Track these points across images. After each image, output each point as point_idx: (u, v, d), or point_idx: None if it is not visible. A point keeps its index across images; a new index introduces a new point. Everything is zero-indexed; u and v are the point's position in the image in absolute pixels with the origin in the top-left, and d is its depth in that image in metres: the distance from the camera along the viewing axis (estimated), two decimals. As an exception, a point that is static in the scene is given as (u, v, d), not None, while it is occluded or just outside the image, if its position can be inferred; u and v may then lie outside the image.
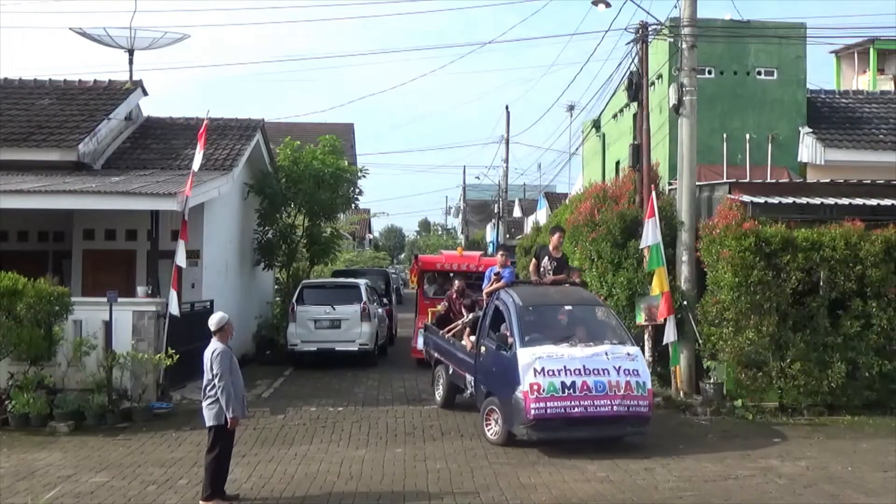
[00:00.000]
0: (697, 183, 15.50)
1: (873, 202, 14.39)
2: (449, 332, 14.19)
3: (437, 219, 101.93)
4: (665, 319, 14.21)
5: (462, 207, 72.57)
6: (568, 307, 12.24)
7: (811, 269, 13.31)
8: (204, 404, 8.93)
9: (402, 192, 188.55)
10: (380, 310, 21.24)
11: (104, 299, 13.45)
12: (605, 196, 16.83)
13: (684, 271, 14.83)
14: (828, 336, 13.29)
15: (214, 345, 8.92)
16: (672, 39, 16.56)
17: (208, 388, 8.86)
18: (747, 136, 19.31)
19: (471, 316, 13.69)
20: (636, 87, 16.19)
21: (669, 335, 14.28)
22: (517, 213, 61.32)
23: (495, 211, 53.13)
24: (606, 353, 11.03)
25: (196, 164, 14.89)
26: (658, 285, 14.29)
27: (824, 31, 69.04)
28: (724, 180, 16.40)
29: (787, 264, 13.20)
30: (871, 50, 27.12)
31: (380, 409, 14.16)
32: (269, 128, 22.47)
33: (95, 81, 20.11)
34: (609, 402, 10.72)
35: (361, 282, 20.90)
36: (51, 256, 18.22)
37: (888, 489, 9.38)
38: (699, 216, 15.01)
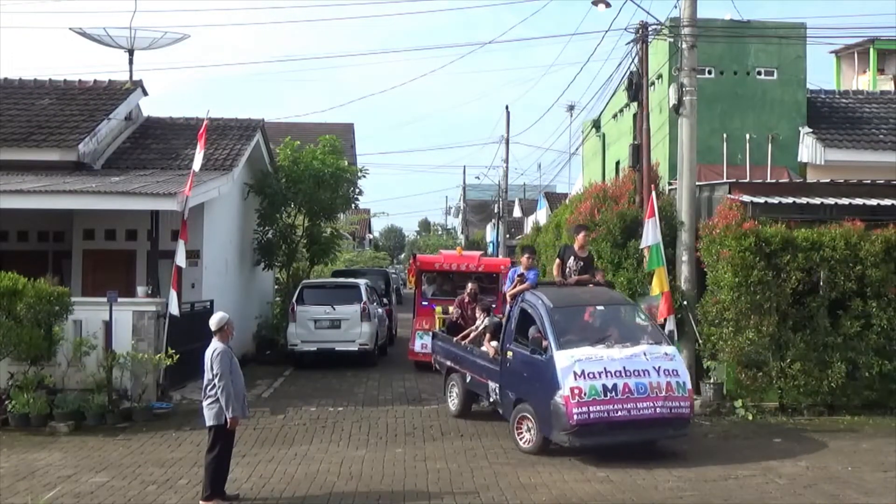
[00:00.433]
0: (697, 183, 15.49)
1: (873, 202, 14.39)
2: (464, 338, 13.55)
3: (437, 219, 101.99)
4: (665, 319, 14.20)
5: (462, 207, 72.59)
6: (600, 307, 11.87)
7: (811, 269, 13.31)
8: (204, 404, 8.93)
9: (402, 192, 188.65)
10: (380, 310, 21.23)
11: (104, 299, 13.46)
12: (605, 196, 16.83)
13: (684, 271, 14.82)
14: (828, 336, 13.29)
15: (215, 345, 8.92)
16: (672, 39, 16.55)
17: (208, 387, 8.86)
18: (747, 136, 19.32)
19: (487, 320, 13.13)
20: (636, 87, 16.19)
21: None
22: (517, 213, 61.34)
23: (495, 211, 53.11)
24: (645, 354, 10.70)
25: (197, 165, 14.84)
26: (658, 285, 14.28)
27: (824, 31, 69.08)
28: (724, 180, 16.39)
29: (787, 264, 13.20)
30: (871, 50, 27.12)
31: (380, 409, 14.16)
32: (269, 128, 22.46)
33: (95, 81, 20.11)
34: (651, 405, 10.36)
35: (361, 282, 20.90)
36: (51, 256, 18.22)
37: (888, 489, 9.38)
38: (699, 216, 15.00)
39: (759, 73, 20.75)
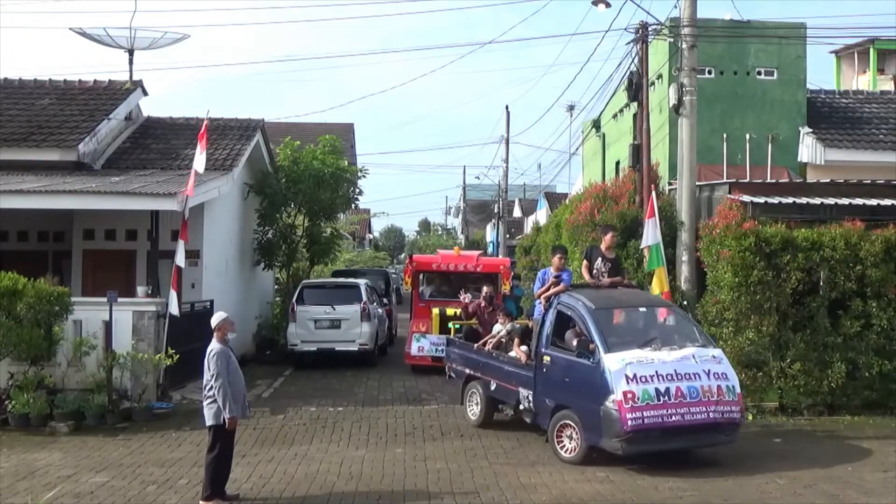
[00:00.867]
0: (697, 183, 15.50)
1: (873, 202, 14.40)
2: (485, 343, 12.93)
3: (437, 219, 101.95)
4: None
5: (462, 207, 72.60)
6: (641, 309, 11.47)
7: (811, 269, 13.31)
8: (204, 404, 8.95)
9: (402, 192, 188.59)
10: (380, 310, 21.22)
11: (104, 299, 13.46)
12: (605, 196, 16.83)
13: (684, 271, 14.82)
14: (828, 336, 13.29)
15: (213, 345, 8.94)
16: (672, 39, 16.56)
17: (207, 388, 8.87)
18: (747, 136, 19.33)
19: (510, 325, 12.63)
20: (636, 87, 16.20)
21: (669, 335, 14.25)
22: (517, 213, 61.32)
23: (495, 211, 53.11)
24: (694, 357, 10.29)
25: (200, 166, 14.60)
26: (658, 285, 14.27)
27: (824, 31, 69.14)
28: (724, 180, 16.40)
29: (787, 264, 13.20)
30: (871, 50, 27.13)
31: (380, 409, 14.15)
32: (269, 128, 22.47)
33: (95, 81, 20.11)
34: (704, 409, 9.96)
35: (361, 282, 20.89)
36: (51, 256, 18.22)
37: (888, 489, 9.37)
38: (699, 216, 15.00)
39: (759, 73, 20.76)
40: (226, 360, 8.85)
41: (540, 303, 11.75)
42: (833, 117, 20.65)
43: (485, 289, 14.91)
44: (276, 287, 24.18)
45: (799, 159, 19.81)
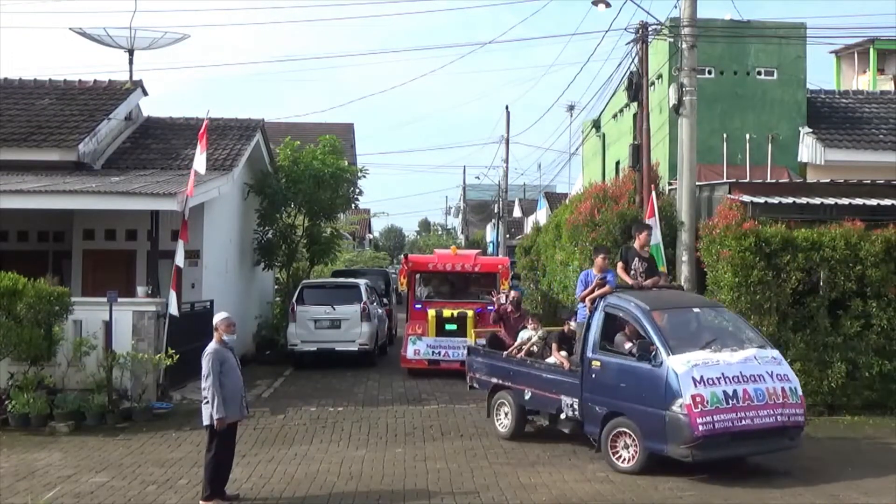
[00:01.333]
0: (697, 183, 15.50)
1: (873, 202, 14.39)
2: (518, 350, 12.23)
3: (437, 219, 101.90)
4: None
5: (462, 207, 72.56)
6: (695, 309, 10.99)
7: (811, 269, 13.30)
8: (202, 403, 8.96)
9: (402, 192, 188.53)
10: (380, 310, 21.22)
11: (104, 299, 13.46)
12: (605, 196, 16.82)
13: (684, 271, 14.82)
14: (828, 336, 13.28)
15: (210, 345, 8.97)
16: (672, 39, 16.56)
17: (203, 388, 8.90)
18: (747, 136, 19.32)
19: (542, 331, 12.14)
20: (636, 87, 16.20)
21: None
22: (517, 213, 61.33)
23: (495, 211, 53.12)
24: (755, 358, 9.92)
25: (201, 167, 14.57)
26: (658, 285, 14.25)
27: (824, 31, 69.09)
28: (724, 180, 16.40)
29: (787, 264, 13.20)
30: (871, 50, 27.13)
31: (380, 409, 14.15)
32: (269, 128, 22.47)
33: (95, 81, 20.11)
34: (771, 412, 9.58)
35: (361, 282, 20.88)
36: (51, 256, 18.22)
37: (888, 489, 9.37)
38: (699, 216, 15.00)
39: (759, 73, 20.76)
40: (219, 360, 8.84)
41: (584, 306, 11.19)
42: (833, 117, 20.65)
43: (512, 293, 14.55)
44: (276, 287, 24.18)
45: (799, 159, 19.81)
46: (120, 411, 13.09)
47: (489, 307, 17.91)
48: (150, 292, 14.63)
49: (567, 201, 25.15)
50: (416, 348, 17.70)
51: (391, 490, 9.41)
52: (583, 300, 11.26)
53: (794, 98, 20.59)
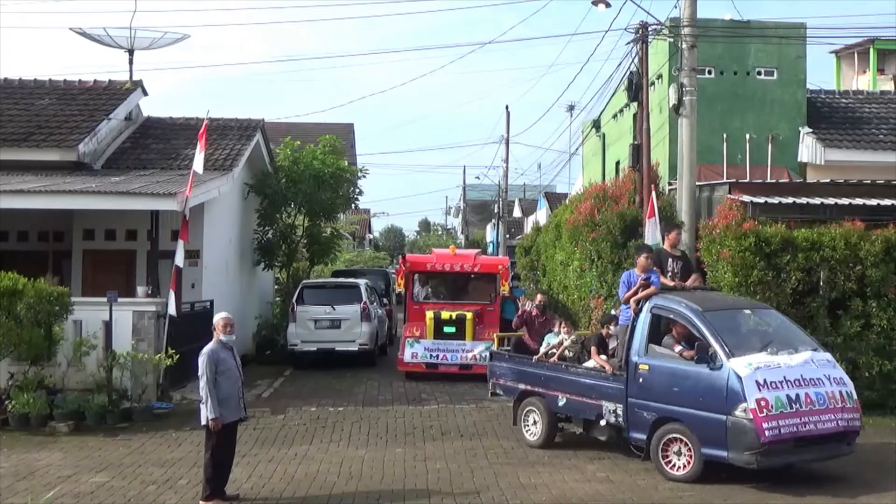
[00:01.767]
0: (697, 183, 15.50)
1: (873, 202, 14.40)
2: (546, 355, 11.85)
3: (437, 219, 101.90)
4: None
5: (462, 207, 72.56)
6: (746, 311, 10.71)
7: (811, 269, 13.30)
8: (199, 403, 8.98)
9: (402, 192, 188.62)
10: (380, 310, 21.21)
11: (104, 299, 13.46)
12: (605, 196, 16.84)
13: (684, 271, 14.80)
14: (828, 336, 13.25)
15: (206, 345, 8.99)
16: (672, 39, 16.56)
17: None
18: (747, 136, 19.32)
19: (575, 335, 11.83)
20: (636, 87, 16.20)
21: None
22: (517, 213, 61.32)
23: (495, 211, 53.13)
24: (812, 361, 9.63)
25: (199, 167, 14.68)
26: (658, 285, 14.25)
27: (824, 31, 69.17)
28: (724, 180, 16.41)
29: (787, 264, 13.19)
30: (871, 50, 27.14)
31: (380, 409, 14.15)
32: (269, 128, 22.47)
33: (95, 81, 20.11)
34: (832, 417, 9.30)
35: (361, 282, 20.88)
36: (51, 256, 18.22)
37: (889, 489, 9.37)
38: (699, 216, 15.00)
39: (759, 73, 20.77)
40: (214, 360, 8.84)
41: (627, 307, 10.79)
42: (833, 117, 20.65)
43: (539, 297, 14.22)
44: (276, 287, 24.19)
45: (799, 159, 19.81)
46: (120, 411, 13.08)
47: (489, 308, 17.85)
48: (150, 292, 14.63)
49: (567, 201, 25.17)
50: (414, 351, 17.09)
51: (391, 490, 9.42)
52: (626, 302, 10.82)
53: (794, 98, 20.60)
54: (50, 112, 18.72)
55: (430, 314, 17.29)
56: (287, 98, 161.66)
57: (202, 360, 8.83)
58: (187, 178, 14.67)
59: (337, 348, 18.86)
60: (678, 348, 10.00)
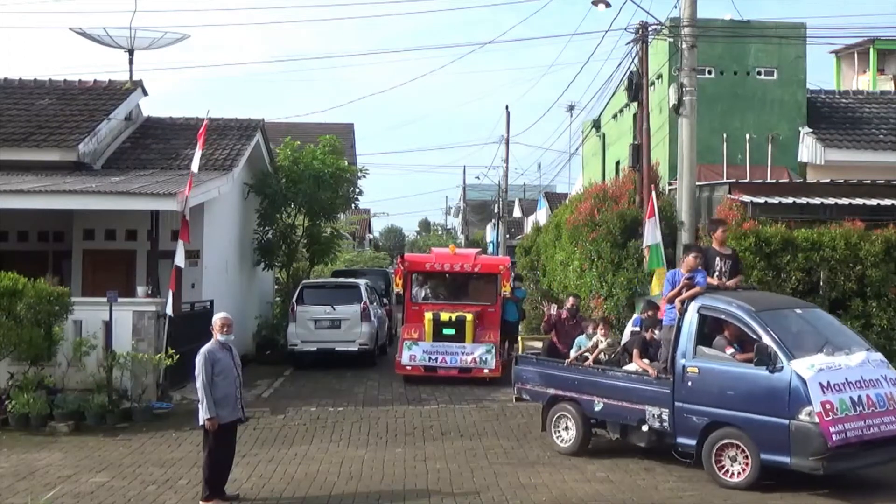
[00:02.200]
0: (697, 183, 15.49)
1: (873, 202, 14.40)
2: (578, 358, 11.51)
3: (437, 219, 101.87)
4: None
5: (462, 207, 72.56)
6: (798, 311, 10.34)
7: (811, 269, 13.31)
8: (197, 403, 8.98)
9: (402, 192, 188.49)
10: (380, 310, 21.20)
11: (104, 299, 13.46)
12: (605, 196, 16.84)
13: (684, 271, 14.79)
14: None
15: (204, 345, 9.00)
16: (672, 39, 16.55)
17: None
18: (747, 136, 19.32)
19: (611, 339, 11.47)
20: (636, 87, 16.20)
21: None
22: (517, 213, 61.31)
23: (495, 211, 53.12)
24: (868, 361, 9.39)
25: (195, 165, 14.81)
26: (658, 285, 14.24)
27: (824, 31, 69.17)
28: (724, 180, 16.40)
29: (787, 264, 13.20)
30: (871, 50, 27.14)
31: (380, 409, 14.15)
32: (269, 128, 22.46)
33: (95, 81, 20.11)
34: (893, 419, 9.05)
35: (361, 282, 20.87)
36: (51, 256, 18.22)
37: (889, 488, 9.37)
38: (699, 216, 15.00)
39: (759, 73, 20.77)
40: (211, 360, 8.85)
41: (671, 308, 10.47)
42: (833, 117, 20.65)
43: (570, 300, 13.83)
44: (276, 287, 24.18)
45: (799, 159, 19.81)
46: (120, 411, 13.08)
47: (489, 309, 17.51)
48: (150, 292, 14.63)
49: (567, 201, 25.16)
50: (412, 354, 16.55)
51: (391, 490, 9.42)
52: (670, 301, 10.51)
53: (794, 98, 20.60)
54: (50, 112, 18.72)
55: (428, 315, 16.84)
56: (287, 98, 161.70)
57: (199, 360, 8.84)
58: (187, 177, 14.68)
59: (337, 348, 18.84)
60: (730, 350, 9.69)
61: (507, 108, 46.94)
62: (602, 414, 10.84)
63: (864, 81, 27.60)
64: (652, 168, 16.09)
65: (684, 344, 9.94)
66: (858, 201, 14.39)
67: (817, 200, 14.39)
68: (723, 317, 9.90)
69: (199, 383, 8.78)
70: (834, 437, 8.64)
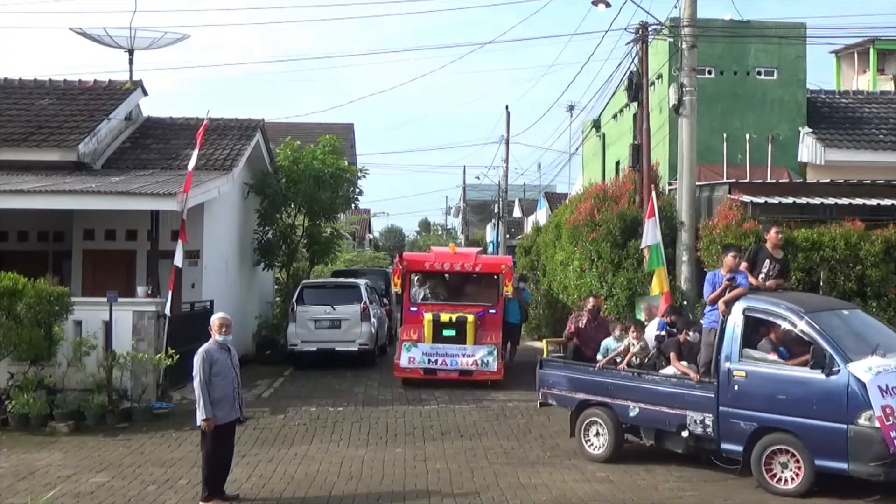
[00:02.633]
0: (697, 183, 15.50)
1: (873, 202, 14.40)
2: (612, 362, 11.21)
3: (437, 219, 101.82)
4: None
5: (462, 207, 72.52)
6: (845, 312, 10.09)
7: (811, 269, 13.30)
8: (195, 404, 8.98)
9: (402, 192, 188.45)
10: (380, 310, 21.20)
11: (104, 299, 13.47)
12: (605, 196, 16.84)
13: (684, 271, 14.82)
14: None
15: (203, 345, 9.00)
16: (672, 39, 16.56)
17: None
18: (747, 136, 19.32)
19: (644, 342, 11.10)
20: (636, 87, 16.21)
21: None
22: (517, 213, 61.28)
23: (495, 211, 53.10)
24: None
25: (191, 164, 14.82)
26: (658, 285, 14.28)
27: (824, 31, 69.08)
28: (724, 180, 16.40)
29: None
30: (871, 50, 27.13)
31: (380, 409, 14.15)
32: (269, 128, 22.47)
33: (95, 81, 20.11)
34: None
35: (361, 282, 20.87)
36: (51, 256, 18.22)
37: (889, 488, 9.36)
38: (699, 216, 15.01)
39: (759, 73, 20.76)
40: (209, 361, 8.85)
41: (713, 309, 10.25)
42: (833, 117, 20.65)
43: (591, 301, 13.52)
44: (276, 287, 24.18)
45: (799, 159, 19.81)
46: (120, 411, 13.09)
47: (491, 310, 16.92)
48: (150, 292, 14.63)
49: (567, 201, 25.17)
50: (411, 356, 16.04)
51: (391, 490, 9.42)
52: (712, 303, 10.27)
53: (794, 98, 20.59)
54: (50, 112, 18.72)
55: (428, 316, 16.34)
56: (287, 98, 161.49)
57: (197, 361, 8.85)
58: (185, 177, 14.68)
59: (337, 348, 18.84)
60: (772, 352, 9.47)
61: (507, 108, 46.95)
62: (638, 419, 10.46)
63: (864, 81, 27.59)
64: (652, 168, 16.10)
65: (729, 346, 9.63)
66: (858, 201, 14.39)
67: (817, 200, 14.39)
68: (771, 318, 9.65)
69: (196, 383, 8.78)
70: None
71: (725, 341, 9.68)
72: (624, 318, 14.45)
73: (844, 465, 8.70)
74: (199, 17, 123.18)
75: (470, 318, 16.25)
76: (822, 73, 70.40)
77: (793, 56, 20.58)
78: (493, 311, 17.05)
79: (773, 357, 9.47)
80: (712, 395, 9.67)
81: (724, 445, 9.63)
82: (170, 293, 14.04)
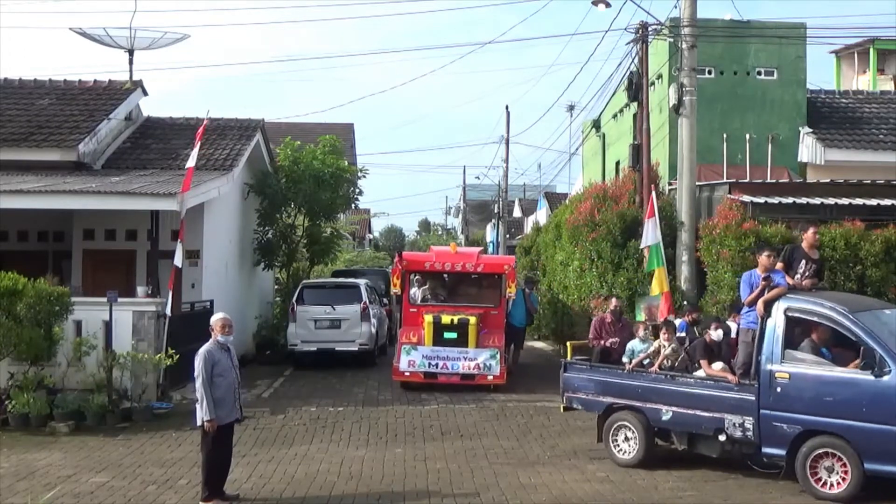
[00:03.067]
0: (697, 183, 15.51)
1: (873, 202, 14.41)
2: (642, 364, 10.82)
3: (437, 219, 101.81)
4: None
5: (462, 207, 72.51)
6: (887, 311, 9.87)
7: (811, 269, 13.29)
8: (195, 404, 8.99)
9: (402, 192, 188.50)
10: (380, 310, 21.20)
11: (104, 299, 13.46)
12: (605, 196, 16.84)
13: (684, 271, 14.83)
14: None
15: (203, 345, 8.99)
16: (672, 39, 16.57)
17: None
18: (747, 136, 19.32)
19: (675, 343, 10.70)
20: (636, 87, 16.22)
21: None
22: (517, 213, 61.27)
23: (495, 211, 53.09)
24: None
25: (191, 161, 14.81)
26: (658, 285, 14.28)
27: (824, 31, 69.06)
28: (724, 180, 16.41)
29: (787, 264, 13.18)
30: (871, 50, 27.14)
31: (380, 409, 14.15)
32: (269, 128, 22.47)
33: (95, 81, 20.11)
34: None
35: (361, 282, 20.87)
36: (51, 256, 18.22)
37: (888, 488, 9.36)
38: (699, 216, 15.02)
39: (759, 73, 20.76)
40: (211, 361, 8.85)
41: (750, 310, 9.95)
42: (833, 117, 20.66)
43: (613, 301, 13.21)
44: (276, 287, 24.18)
45: (799, 159, 19.81)
46: (120, 411, 13.08)
47: (493, 312, 16.42)
48: (150, 292, 14.63)
49: (567, 201, 25.17)
50: (411, 359, 15.55)
51: (391, 490, 9.42)
52: (750, 304, 9.95)
53: (794, 98, 20.59)
54: (50, 112, 18.72)
55: (428, 318, 15.79)
56: (287, 98, 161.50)
57: (198, 361, 8.84)
58: (184, 176, 14.67)
59: (337, 348, 18.83)
60: (814, 352, 9.30)
61: (507, 108, 46.92)
62: (671, 423, 10.18)
63: (864, 81, 27.59)
64: (652, 168, 16.10)
65: (770, 347, 9.37)
66: (858, 201, 14.40)
67: (817, 200, 14.40)
68: (815, 319, 9.43)
69: (198, 384, 8.78)
70: None
71: (766, 342, 9.43)
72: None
73: None
74: (199, 17, 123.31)
75: (472, 319, 15.78)
76: (822, 73, 70.42)
77: (793, 56, 20.58)
78: (496, 312, 16.55)
79: (816, 358, 9.26)
80: (753, 398, 9.41)
81: (766, 449, 9.39)
82: (170, 293, 14.05)
